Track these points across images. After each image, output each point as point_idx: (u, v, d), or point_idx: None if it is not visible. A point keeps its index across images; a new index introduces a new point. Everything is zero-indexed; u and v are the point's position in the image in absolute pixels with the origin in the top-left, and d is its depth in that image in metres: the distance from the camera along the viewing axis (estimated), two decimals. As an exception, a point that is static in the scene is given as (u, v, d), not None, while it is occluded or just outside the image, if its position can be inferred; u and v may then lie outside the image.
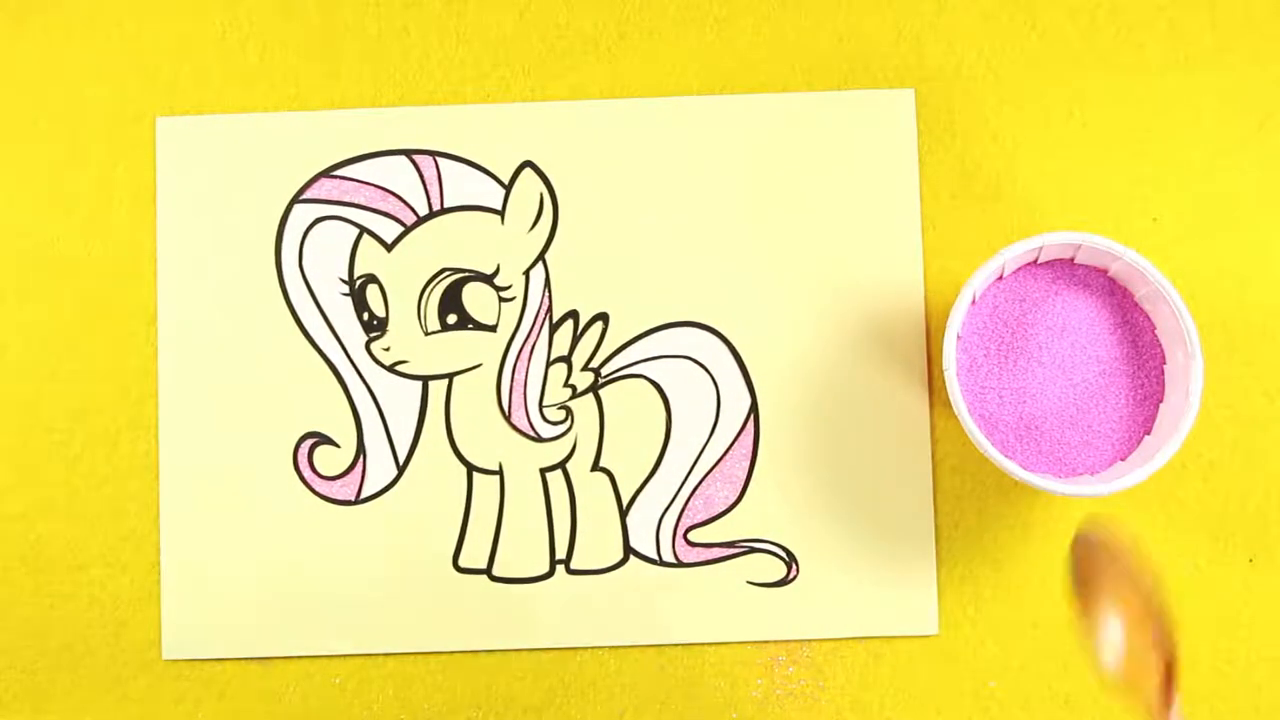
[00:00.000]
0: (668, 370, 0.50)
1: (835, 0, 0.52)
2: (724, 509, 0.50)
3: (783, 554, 0.49)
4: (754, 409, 0.50)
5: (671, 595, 0.50)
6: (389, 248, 0.50)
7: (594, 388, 0.50)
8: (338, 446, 0.50)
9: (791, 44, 0.52)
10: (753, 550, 0.49)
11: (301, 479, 0.50)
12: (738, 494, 0.50)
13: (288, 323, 0.50)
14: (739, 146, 0.51)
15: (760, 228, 0.51)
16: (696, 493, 0.50)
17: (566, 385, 0.50)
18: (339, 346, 0.50)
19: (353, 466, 0.50)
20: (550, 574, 0.50)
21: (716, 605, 0.49)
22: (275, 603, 0.50)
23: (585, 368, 0.50)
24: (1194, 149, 0.51)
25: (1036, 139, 0.51)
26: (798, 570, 0.49)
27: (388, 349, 0.50)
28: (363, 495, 0.50)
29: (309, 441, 0.50)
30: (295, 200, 0.51)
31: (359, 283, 0.50)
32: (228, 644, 0.50)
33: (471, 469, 0.50)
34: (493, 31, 0.52)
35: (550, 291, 0.50)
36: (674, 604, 0.49)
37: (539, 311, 0.50)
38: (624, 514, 0.50)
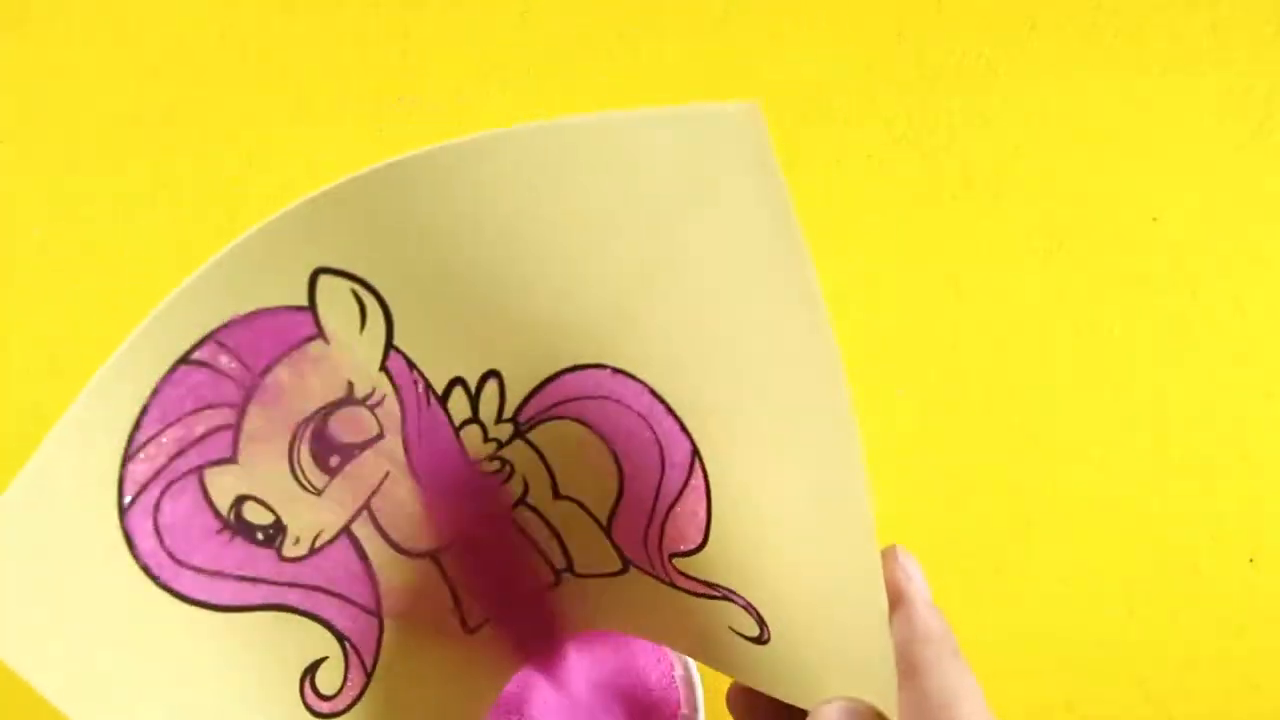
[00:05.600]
0: (593, 410, 0.40)
1: (835, 1, 0.52)
2: (694, 547, 0.41)
3: (753, 613, 0.40)
4: (696, 453, 0.39)
5: (675, 613, 0.44)
6: (234, 459, 0.39)
7: (518, 434, 0.42)
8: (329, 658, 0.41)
9: (792, 43, 0.52)
10: (728, 598, 0.41)
11: (306, 706, 0.40)
12: (703, 535, 0.41)
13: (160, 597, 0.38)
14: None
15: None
16: (668, 522, 0.41)
17: (488, 441, 0.41)
18: (263, 584, 0.40)
19: (345, 681, 0.40)
20: (557, 583, 0.46)
21: (710, 638, 0.43)
22: None
23: (499, 421, 0.41)
24: (1194, 149, 0.51)
25: (1036, 139, 0.51)
26: (769, 633, 0.40)
27: (297, 541, 0.40)
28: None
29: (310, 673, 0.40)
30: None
31: (232, 513, 0.39)
32: None
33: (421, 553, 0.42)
34: (493, 32, 0.52)
35: (419, 371, 0.39)
36: (677, 622, 0.44)
37: (418, 395, 0.40)
38: (609, 532, 0.43)
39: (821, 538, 0.38)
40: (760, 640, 0.41)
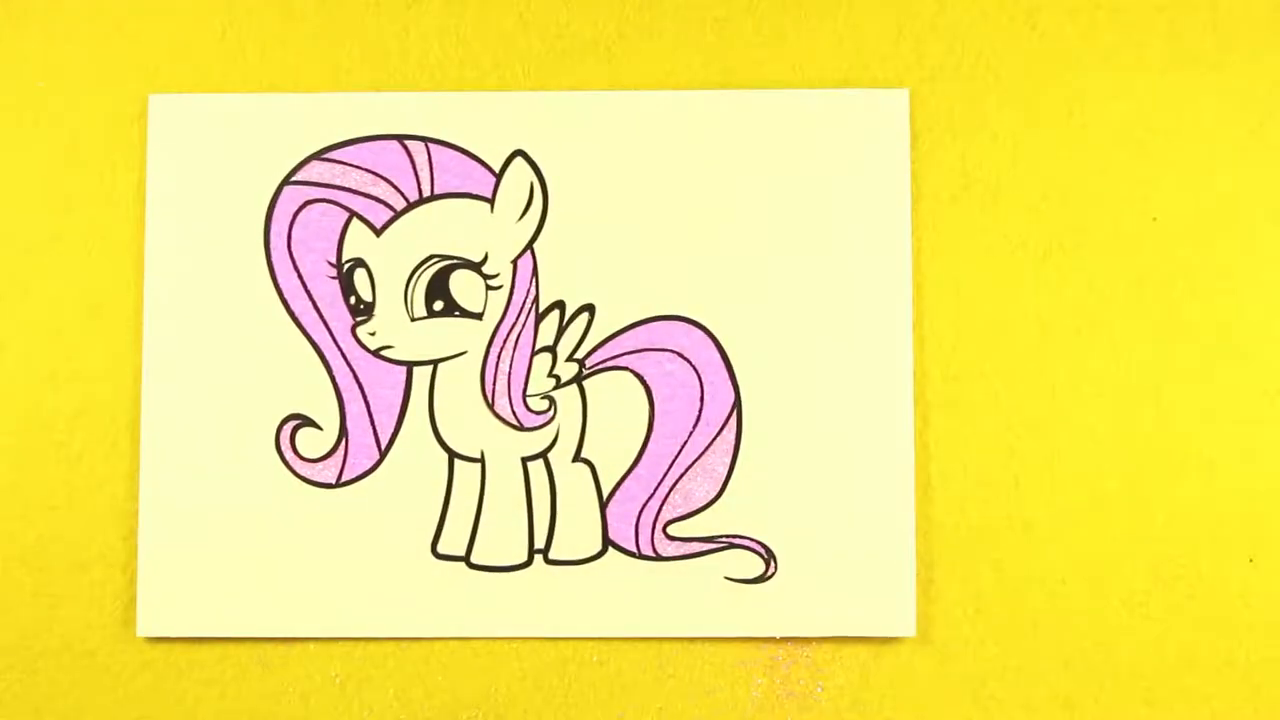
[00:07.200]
0: (652, 363, 0.50)
1: (835, 0, 0.52)
2: (704, 504, 0.50)
3: (761, 550, 0.49)
4: (737, 405, 0.50)
5: (650, 589, 0.49)
6: (378, 232, 0.50)
7: (578, 378, 0.50)
8: (320, 429, 0.50)
9: (791, 43, 0.52)
10: (731, 546, 0.50)
11: (283, 460, 0.49)
12: (718, 489, 0.50)
13: (274, 304, 0.50)
14: (732, 142, 0.51)
15: (749, 223, 0.50)
16: (677, 486, 0.50)
17: (551, 375, 0.50)
18: (325, 329, 0.50)
19: (334, 450, 0.50)
20: (528, 563, 0.50)
21: (694, 600, 0.49)
22: (253, 583, 0.49)
23: (570, 358, 0.50)
24: (1194, 149, 0.51)
25: (1036, 139, 0.51)
26: (776, 567, 0.49)
27: (373, 333, 0.50)
28: (343, 479, 0.50)
29: (291, 423, 0.50)
30: (286, 182, 0.50)
31: (347, 266, 0.50)
32: (204, 623, 0.49)
33: (453, 456, 0.50)
34: (492, 31, 0.52)
35: (537, 281, 0.50)
36: (652, 597, 0.49)
37: (525, 300, 0.50)
38: (604, 505, 0.50)
39: (857, 468, 0.49)
40: (764, 578, 0.49)
